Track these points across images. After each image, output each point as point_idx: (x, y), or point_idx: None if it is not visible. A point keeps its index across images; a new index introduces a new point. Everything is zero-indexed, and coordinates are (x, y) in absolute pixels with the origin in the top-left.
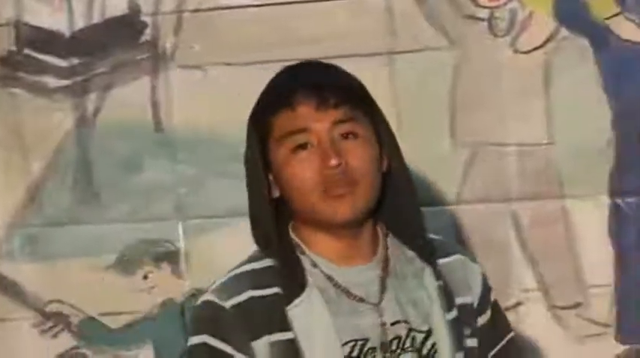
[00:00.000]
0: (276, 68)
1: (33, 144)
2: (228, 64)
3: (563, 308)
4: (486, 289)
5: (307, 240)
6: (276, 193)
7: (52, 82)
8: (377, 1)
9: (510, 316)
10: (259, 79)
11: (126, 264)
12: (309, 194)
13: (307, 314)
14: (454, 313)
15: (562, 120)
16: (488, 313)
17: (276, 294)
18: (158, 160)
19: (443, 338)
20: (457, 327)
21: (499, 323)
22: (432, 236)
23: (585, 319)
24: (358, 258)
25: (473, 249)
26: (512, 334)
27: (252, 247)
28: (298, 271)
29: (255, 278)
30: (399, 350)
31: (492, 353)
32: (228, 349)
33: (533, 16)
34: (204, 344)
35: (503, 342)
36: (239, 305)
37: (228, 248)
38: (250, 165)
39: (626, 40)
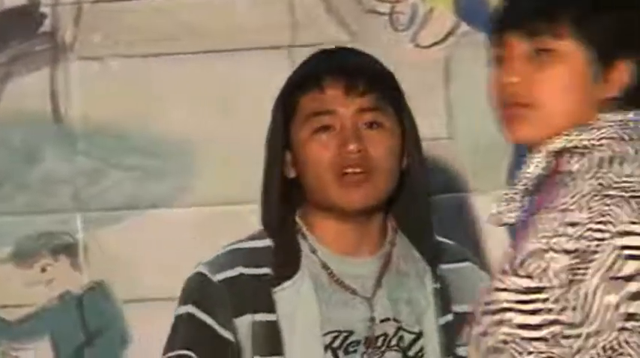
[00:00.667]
0: (176, 61)
1: None
2: (128, 56)
3: None
4: None
5: (313, 225)
6: (291, 173)
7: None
8: None
9: None
10: (158, 72)
11: (23, 256)
12: (324, 174)
13: (293, 298)
14: (449, 317)
15: (462, 115)
16: None
17: (266, 275)
18: (56, 151)
19: (432, 342)
20: (450, 332)
21: None
22: (444, 240)
23: None
24: (363, 249)
25: None
26: None
27: (151, 239)
28: (292, 255)
29: (249, 256)
30: (384, 347)
31: None
32: (210, 321)
33: (433, 11)
34: (188, 314)
35: None
36: (228, 280)
37: (126, 240)
38: (271, 142)
39: None
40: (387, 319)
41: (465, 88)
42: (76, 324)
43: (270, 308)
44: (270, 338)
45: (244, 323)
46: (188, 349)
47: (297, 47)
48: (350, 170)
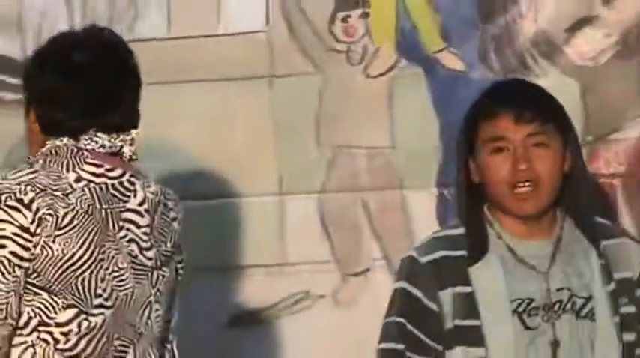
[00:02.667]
0: (177, 87)
1: None
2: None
3: None
4: None
5: (498, 218)
6: (476, 179)
7: (8, 96)
8: (260, 37)
9: (360, 279)
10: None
11: None
12: (500, 188)
13: (485, 274)
14: (612, 286)
15: (401, 129)
16: None
17: (462, 256)
18: None
19: (601, 304)
20: (614, 297)
21: None
22: (603, 221)
23: None
24: (538, 234)
25: (337, 227)
26: None
27: None
28: (482, 240)
29: (449, 242)
30: (560, 311)
31: None
32: (418, 294)
33: (380, 49)
34: (402, 289)
35: None
36: (433, 261)
37: None
38: (458, 154)
39: (450, 69)
40: (561, 288)
41: (403, 108)
42: None
43: (467, 282)
44: (468, 306)
45: (447, 295)
46: (402, 316)
47: (275, 77)
48: (521, 184)
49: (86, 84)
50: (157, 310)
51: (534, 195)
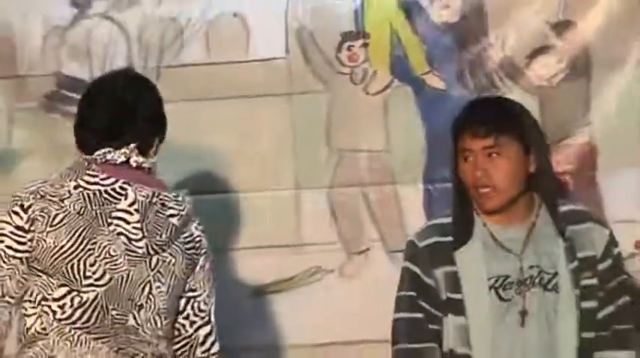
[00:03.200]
0: (210, 103)
1: (63, 153)
2: (184, 100)
3: (394, 251)
4: (610, 247)
5: None
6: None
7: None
8: (280, 62)
9: (361, 257)
10: (201, 111)
11: None
12: (470, 190)
13: (467, 257)
14: (575, 263)
15: (395, 136)
16: (609, 261)
17: (451, 241)
18: None
19: (564, 279)
20: (576, 273)
21: (617, 269)
22: (574, 207)
23: None
24: (515, 221)
25: (343, 215)
26: (625, 277)
27: None
28: (466, 228)
29: (441, 229)
30: (530, 285)
31: (610, 285)
32: (418, 271)
33: (377, 72)
34: (407, 267)
35: (619, 279)
36: (428, 245)
37: None
38: (451, 160)
39: (433, 87)
40: (532, 266)
41: (396, 119)
42: None
43: (453, 263)
44: (454, 283)
45: (440, 273)
46: (411, 291)
47: (293, 94)
48: (481, 187)
49: (102, 110)
50: (157, 287)
51: (494, 195)
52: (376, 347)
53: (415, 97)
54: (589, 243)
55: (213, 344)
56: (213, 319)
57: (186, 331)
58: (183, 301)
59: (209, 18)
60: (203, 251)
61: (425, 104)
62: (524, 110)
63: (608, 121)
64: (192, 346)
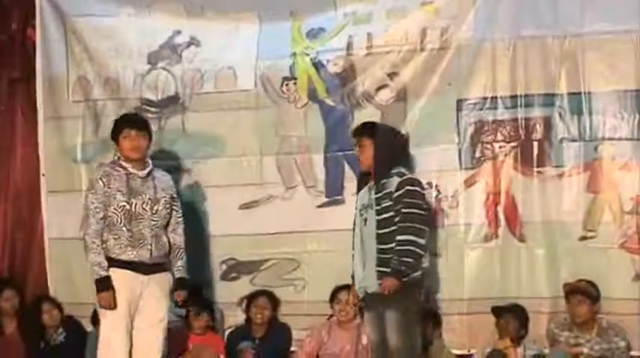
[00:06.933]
0: (227, 112)
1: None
2: (209, 111)
3: None
4: (401, 186)
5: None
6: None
7: (149, 118)
8: (252, 91)
9: None
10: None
11: None
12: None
13: (357, 197)
14: (377, 202)
15: (310, 129)
16: (400, 192)
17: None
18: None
19: (371, 212)
20: (378, 202)
21: (405, 196)
22: (396, 169)
23: None
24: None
25: None
26: (408, 200)
27: None
28: (359, 186)
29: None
30: (362, 212)
31: (399, 207)
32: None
33: (301, 97)
34: None
35: (407, 200)
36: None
37: None
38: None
39: (329, 105)
40: (364, 206)
41: (311, 121)
42: None
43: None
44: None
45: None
46: None
47: (259, 108)
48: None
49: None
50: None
51: (364, 161)
52: None
53: (320, 110)
54: (389, 186)
55: None
56: None
57: None
58: None
59: (217, 69)
60: None
61: (325, 113)
62: (377, 124)
63: (417, 124)
64: None
